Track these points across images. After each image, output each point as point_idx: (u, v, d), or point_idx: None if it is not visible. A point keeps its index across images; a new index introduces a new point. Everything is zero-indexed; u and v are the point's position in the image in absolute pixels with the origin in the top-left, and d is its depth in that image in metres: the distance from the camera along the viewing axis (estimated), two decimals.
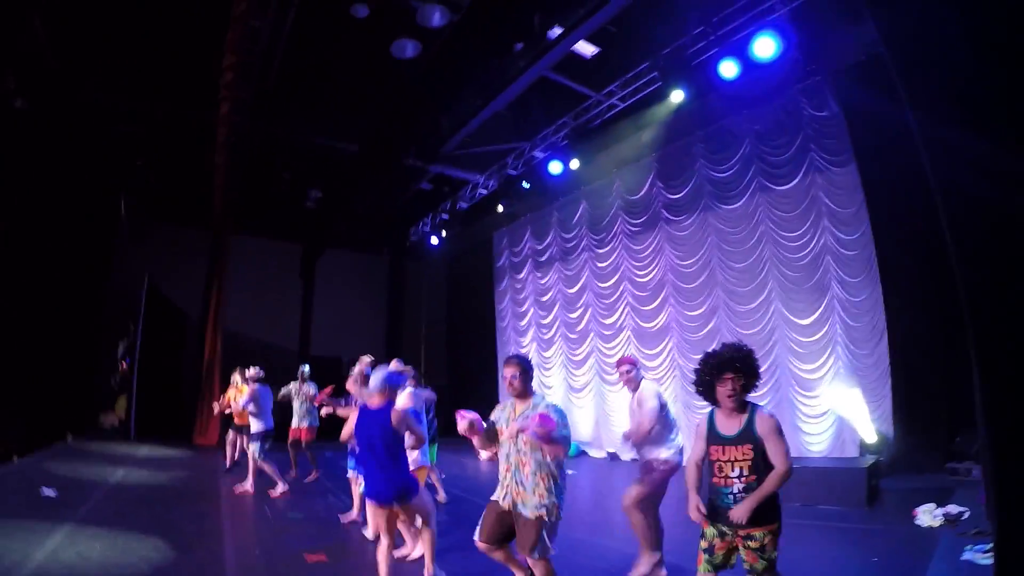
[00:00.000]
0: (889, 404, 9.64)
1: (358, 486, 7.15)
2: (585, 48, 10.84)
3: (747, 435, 3.75)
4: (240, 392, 10.64)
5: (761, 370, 4.03)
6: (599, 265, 15.57)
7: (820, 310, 10.73)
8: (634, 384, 5.89)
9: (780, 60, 9.32)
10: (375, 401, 5.11)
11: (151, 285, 14.85)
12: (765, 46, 9.08)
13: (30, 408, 10.70)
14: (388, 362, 7.52)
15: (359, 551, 6.62)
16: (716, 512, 3.83)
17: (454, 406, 13.72)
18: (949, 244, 4.37)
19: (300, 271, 19.26)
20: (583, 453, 15.00)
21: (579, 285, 16.23)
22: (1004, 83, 3.93)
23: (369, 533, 6.21)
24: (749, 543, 3.71)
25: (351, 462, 7.49)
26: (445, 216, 17.71)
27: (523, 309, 18.25)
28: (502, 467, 4.56)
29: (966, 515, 6.54)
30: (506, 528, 4.50)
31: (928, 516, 6.68)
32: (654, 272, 14.06)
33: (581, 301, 16.14)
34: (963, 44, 4.13)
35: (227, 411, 11.18)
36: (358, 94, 12.62)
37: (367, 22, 10.48)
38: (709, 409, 4.03)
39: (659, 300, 13.90)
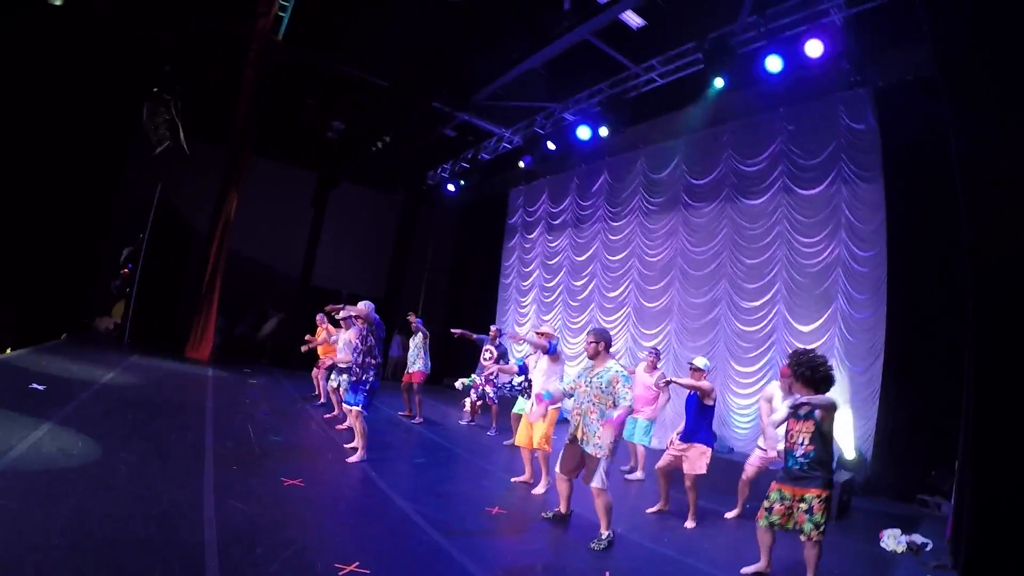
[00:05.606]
0: (873, 425, 9.68)
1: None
2: (633, 19, 10.61)
3: (811, 414, 4.92)
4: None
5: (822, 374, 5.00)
6: (611, 237, 15.54)
7: (822, 320, 10.71)
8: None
9: (826, 65, 9.20)
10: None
11: (163, 195, 14.73)
12: (814, 48, 8.95)
13: (29, 303, 10.72)
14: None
15: (335, 479, 6.80)
16: (784, 473, 5.04)
17: (447, 354, 13.89)
18: (966, 255, 4.41)
19: (312, 200, 19.05)
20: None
21: (588, 254, 16.21)
22: None
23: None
24: (800, 505, 4.84)
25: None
26: (465, 165, 17.60)
27: (529, 269, 18.27)
28: (574, 412, 5.95)
29: (929, 547, 6.62)
30: (576, 462, 5.87)
31: (893, 540, 6.76)
32: (664, 253, 14.02)
33: (587, 270, 16.15)
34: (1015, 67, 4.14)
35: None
36: (398, 30, 12.39)
37: None
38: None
39: (665, 282, 13.89)
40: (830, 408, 4.90)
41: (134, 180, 15.01)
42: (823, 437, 4.90)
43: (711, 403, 7.22)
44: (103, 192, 13.66)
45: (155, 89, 13.05)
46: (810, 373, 4.97)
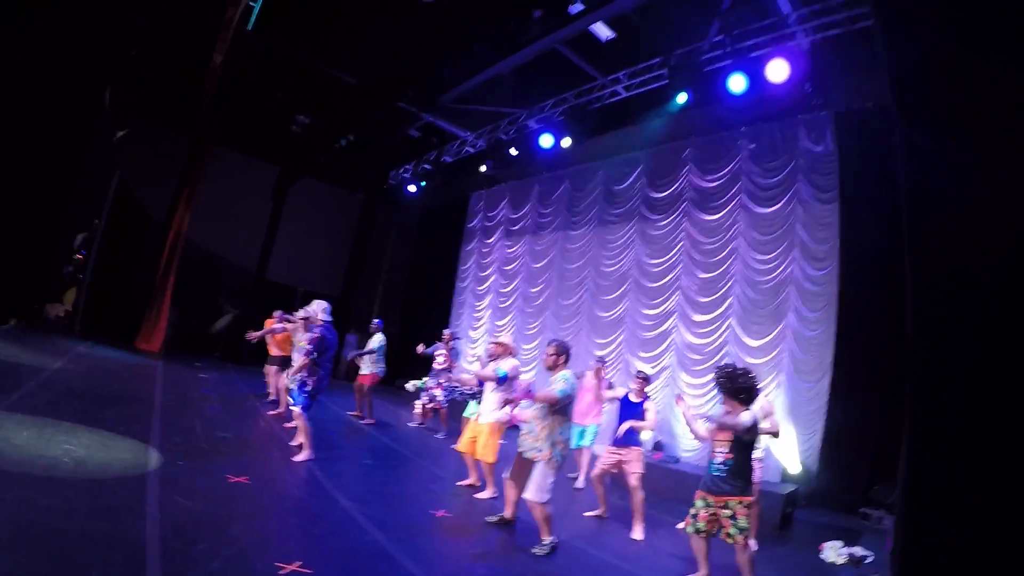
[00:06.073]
0: (819, 440, 9.91)
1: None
2: (602, 31, 10.73)
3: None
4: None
5: (749, 388, 5.19)
6: (569, 246, 15.66)
7: (772, 335, 10.94)
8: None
9: (789, 88, 9.40)
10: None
11: (121, 181, 14.35)
12: (778, 70, 9.15)
13: None
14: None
15: (281, 478, 6.72)
16: (705, 480, 5.21)
17: (403, 355, 13.71)
18: (906, 248, 4.61)
19: (272, 194, 18.71)
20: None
21: (545, 261, 16.30)
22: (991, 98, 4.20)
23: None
24: (724, 511, 5.01)
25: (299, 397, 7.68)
26: (428, 167, 17.54)
27: (485, 274, 18.30)
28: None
29: (869, 559, 6.80)
30: (525, 472, 5.85)
31: (833, 552, 6.93)
32: (621, 264, 14.19)
33: (544, 277, 16.23)
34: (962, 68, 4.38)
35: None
36: (369, 27, 12.32)
37: None
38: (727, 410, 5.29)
39: (619, 292, 14.05)
40: (743, 429, 5.04)
41: (93, 164, 14.55)
42: (742, 448, 5.10)
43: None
44: (61, 175, 13.18)
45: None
46: (729, 383, 5.17)
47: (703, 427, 5.53)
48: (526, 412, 5.99)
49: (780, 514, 8.09)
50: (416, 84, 13.57)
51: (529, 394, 5.67)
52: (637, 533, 6.89)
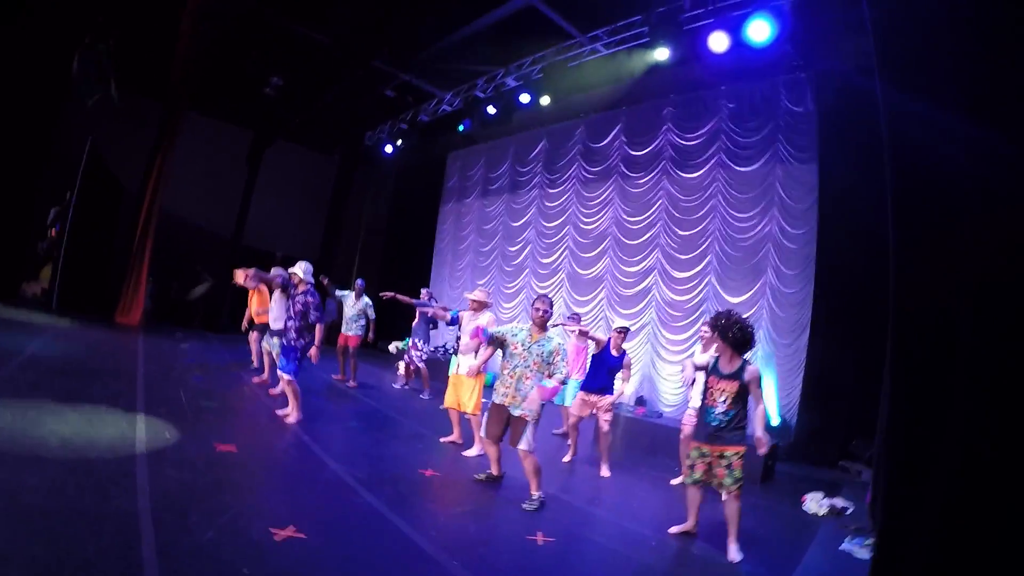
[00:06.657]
0: (798, 395, 10.15)
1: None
2: None
3: (737, 375, 5.14)
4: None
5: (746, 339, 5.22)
6: (547, 204, 15.68)
7: (751, 292, 11.15)
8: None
9: (770, 47, 9.38)
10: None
11: (93, 150, 14.00)
12: (759, 30, 9.12)
13: None
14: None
15: (268, 444, 6.83)
16: (701, 430, 5.28)
17: (383, 318, 13.75)
18: (889, 205, 4.71)
19: (247, 158, 18.22)
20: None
21: (524, 220, 16.33)
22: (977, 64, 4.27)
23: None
24: (721, 461, 5.11)
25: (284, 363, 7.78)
26: (404, 126, 17.32)
27: (464, 233, 18.27)
28: (506, 374, 5.95)
29: (850, 510, 7.03)
30: (502, 425, 5.98)
31: (815, 504, 7.13)
32: (600, 222, 14.26)
33: (523, 236, 16.27)
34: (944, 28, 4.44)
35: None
36: None
37: None
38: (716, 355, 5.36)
39: (599, 250, 14.18)
40: (757, 379, 5.16)
41: (64, 135, 14.11)
42: (745, 400, 5.15)
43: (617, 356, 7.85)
44: (31, 148, 12.80)
45: (87, 40, 12.27)
46: (736, 333, 5.16)
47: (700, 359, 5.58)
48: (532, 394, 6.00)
49: (762, 466, 8.30)
50: (392, 42, 13.33)
51: (549, 392, 5.73)
52: (604, 471, 7.54)
